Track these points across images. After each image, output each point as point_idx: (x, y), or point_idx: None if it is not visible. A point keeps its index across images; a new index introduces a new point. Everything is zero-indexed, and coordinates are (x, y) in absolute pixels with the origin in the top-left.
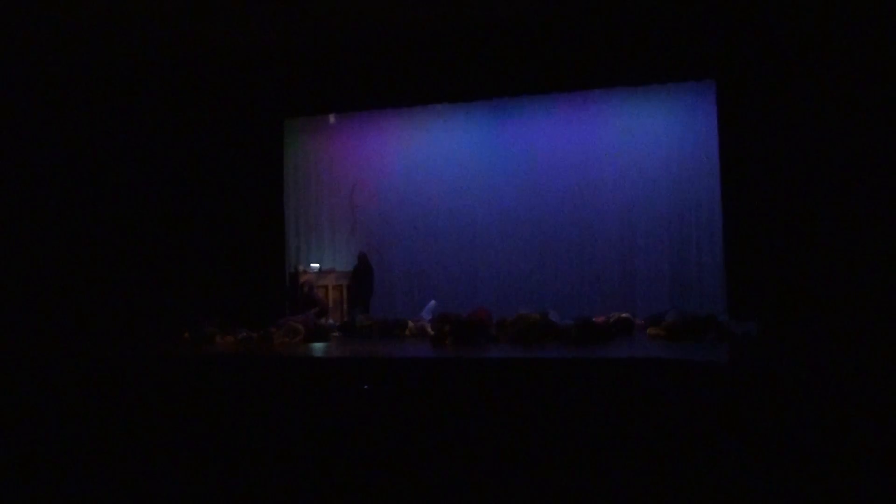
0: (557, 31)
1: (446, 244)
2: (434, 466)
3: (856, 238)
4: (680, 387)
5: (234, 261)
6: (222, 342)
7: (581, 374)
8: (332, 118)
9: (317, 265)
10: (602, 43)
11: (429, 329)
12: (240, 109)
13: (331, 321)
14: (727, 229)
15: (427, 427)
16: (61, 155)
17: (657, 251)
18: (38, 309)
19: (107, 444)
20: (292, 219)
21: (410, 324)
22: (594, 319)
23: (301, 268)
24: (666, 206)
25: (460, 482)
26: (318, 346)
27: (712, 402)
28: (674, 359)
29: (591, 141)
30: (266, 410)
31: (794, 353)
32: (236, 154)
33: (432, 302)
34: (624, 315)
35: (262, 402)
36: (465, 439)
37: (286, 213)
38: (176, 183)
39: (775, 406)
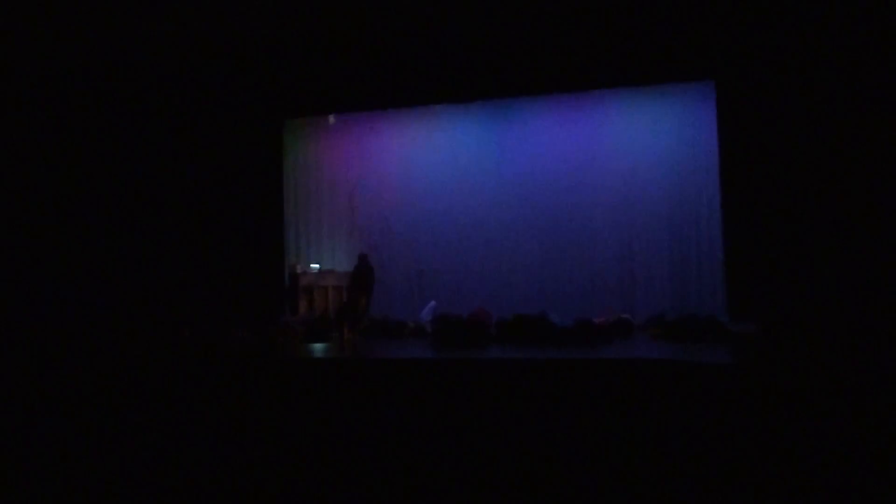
0: (557, 31)
1: (446, 244)
2: (434, 466)
3: (856, 238)
4: (680, 387)
5: (234, 260)
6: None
7: (581, 374)
8: (332, 118)
9: (317, 265)
10: (602, 43)
11: (429, 329)
12: (240, 109)
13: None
14: (727, 229)
15: (427, 427)
16: (62, 156)
17: (657, 251)
18: (38, 308)
19: (107, 439)
20: (292, 219)
21: (410, 324)
22: (594, 320)
23: (300, 268)
24: (666, 207)
25: (460, 482)
26: (318, 347)
27: (712, 402)
28: (674, 359)
29: (591, 141)
30: (265, 410)
31: (794, 353)
32: (236, 154)
33: (432, 302)
34: (624, 316)
35: (262, 402)
36: (465, 439)
37: (286, 213)
38: (176, 183)
39: (775, 406)
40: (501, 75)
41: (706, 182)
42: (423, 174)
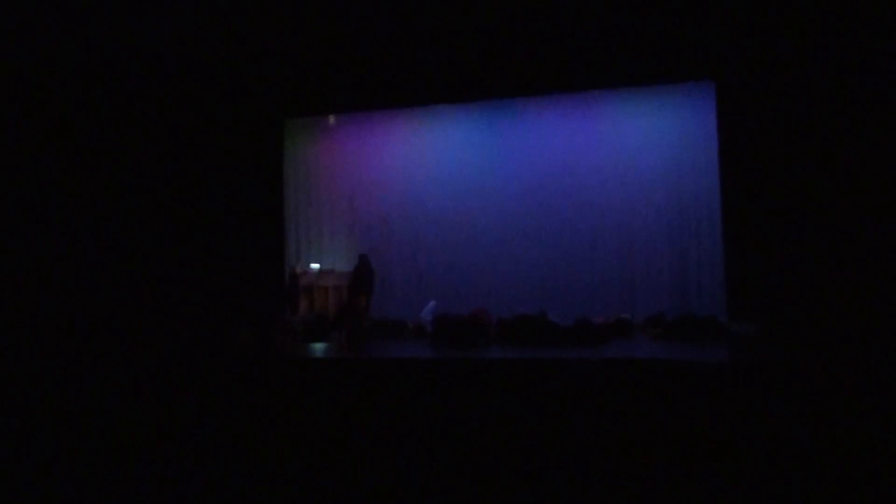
0: (557, 31)
1: (446, 244)
2: (434, 466)
3: (855, 238)
4: (680, 387)
5: (234, 260)
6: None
7: (581, 374)
8: (332, 118)
9: (317, 265)
10: (602, 43)
11: (429, 329)
12: (240, 109)
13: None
14: (727, 229)
15: (426, 427)
16: (62, 157)
17: (657, 251)
18: (38, 308)
19: (107, 438)
20: (292, 219)
21: (410, 324)
22: (594, 320)
23: (300, 268)
24: (665, 206)
25: (460, 482)
26: (318, 347)
27: (712, 402)
28: (674, 359)
29: (591, 141)
30: (265, 410)
31: (794, 353)
32: (236, 154)
33: (432, 302)
34: (623, 316)
35: (262, 402)
36: (465, 439)
37: (286, 213)
38: (176, 183)
39: (775, 406)
40: (501, 75)
41: (706, 182)
42: (423, 174)
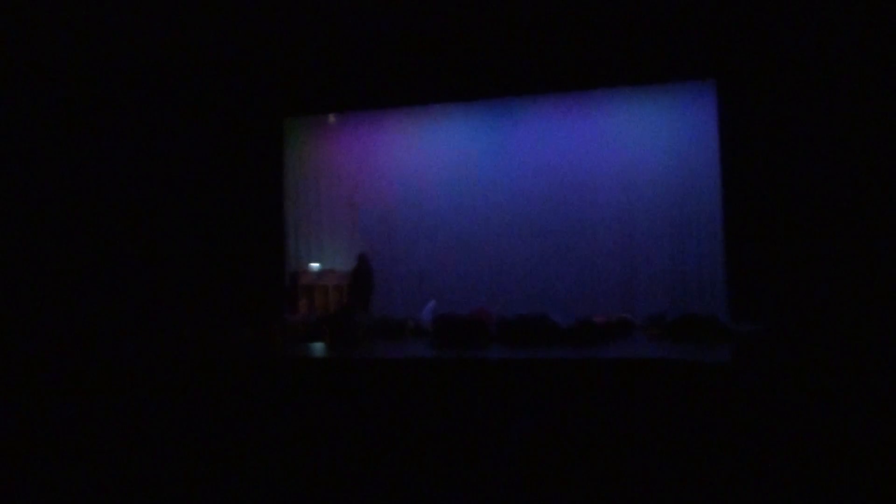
0: (558, 31)
1: (446, 244)
2: (433, 467)
3: (856, 238)
4: (680, 387)
5: (235, 260)
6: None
7: (581, 374)
8: (332, 118)
9: (317, 265)
10: (602, 43)
11: (429, 329)
12: (240, 109)
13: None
14: (727, 229)
15: (426, 428)
16: (61, 156)
17: (657, 251)
18: (39, 308)
19: (106, 437)
20: (292, 219)
21: (410, 324)
22: (594, 320)
23: (300, 267)
24: (666, 206)
25: (460, 482)
26: (318, 347)
27: (713, 402)
28: (674, 359)
29: (592, 141)
30: (265, 409)
31: (794, 353)
32: (236, 154)
33: (432, 302)
34: (624, 316)
35: (261, 402)
36: (465, 440)
37: (286, 212)
38: (176, 183)
39: (776, 406)
40: (501, 75)
41: (707, 181)
42: (424, 174)
